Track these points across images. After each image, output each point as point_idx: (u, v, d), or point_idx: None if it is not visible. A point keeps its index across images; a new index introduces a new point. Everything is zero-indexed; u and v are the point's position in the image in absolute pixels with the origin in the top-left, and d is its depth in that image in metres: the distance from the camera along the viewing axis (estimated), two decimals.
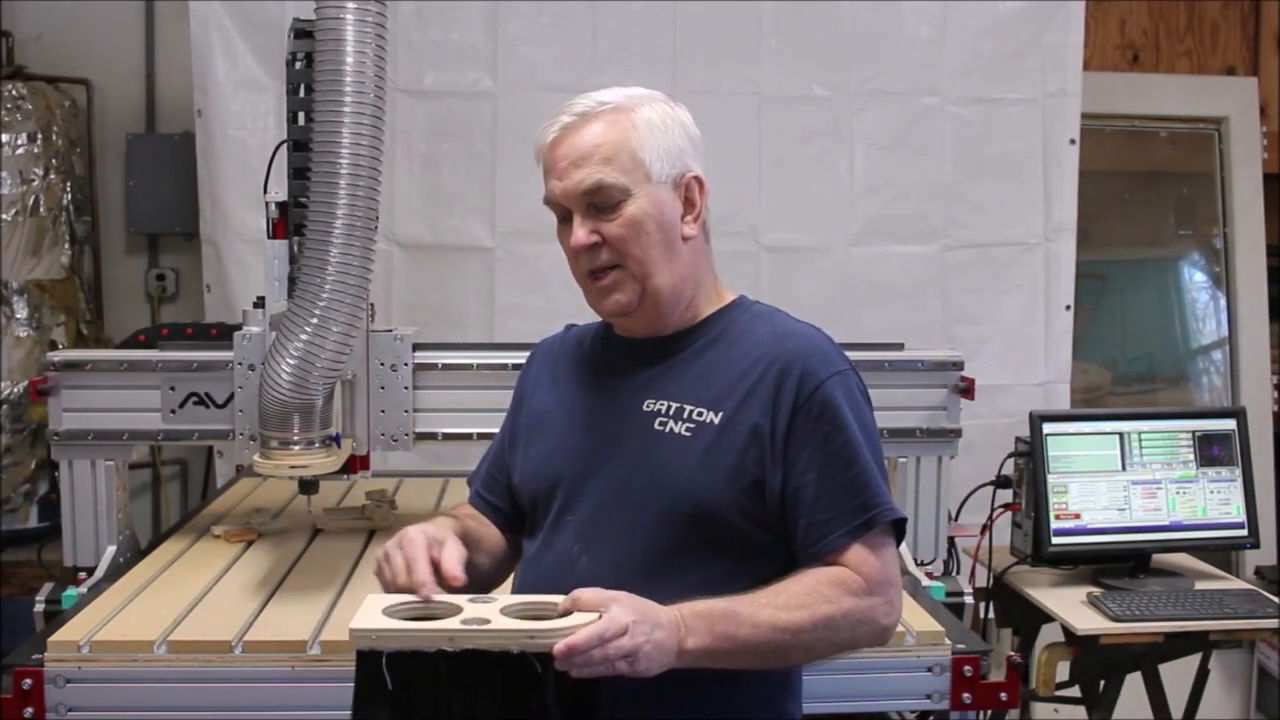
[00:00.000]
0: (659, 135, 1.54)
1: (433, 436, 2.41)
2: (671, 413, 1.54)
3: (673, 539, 1.50)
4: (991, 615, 2.72)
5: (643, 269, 1.53)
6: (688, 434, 1.52)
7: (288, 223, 2.19)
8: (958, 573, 2.59)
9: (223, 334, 2.44)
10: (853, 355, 1.59)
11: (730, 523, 1.50)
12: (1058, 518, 2.68)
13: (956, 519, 2.73)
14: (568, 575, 1.48)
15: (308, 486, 2.39)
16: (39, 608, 2.19)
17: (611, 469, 1.55)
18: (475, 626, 1.32)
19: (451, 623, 1.33)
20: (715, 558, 1.49)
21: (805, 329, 1.60)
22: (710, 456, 1.51)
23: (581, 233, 1.53)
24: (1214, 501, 2.75)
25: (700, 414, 1.53)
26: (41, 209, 3.43)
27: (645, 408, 1.56)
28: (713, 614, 1.39)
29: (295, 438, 2.04)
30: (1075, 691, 2.76)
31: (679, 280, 1.57)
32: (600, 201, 1.51)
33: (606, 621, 1.31)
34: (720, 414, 1.52)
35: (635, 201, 1.51)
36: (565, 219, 1.56)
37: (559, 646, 1.28)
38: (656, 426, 1.54)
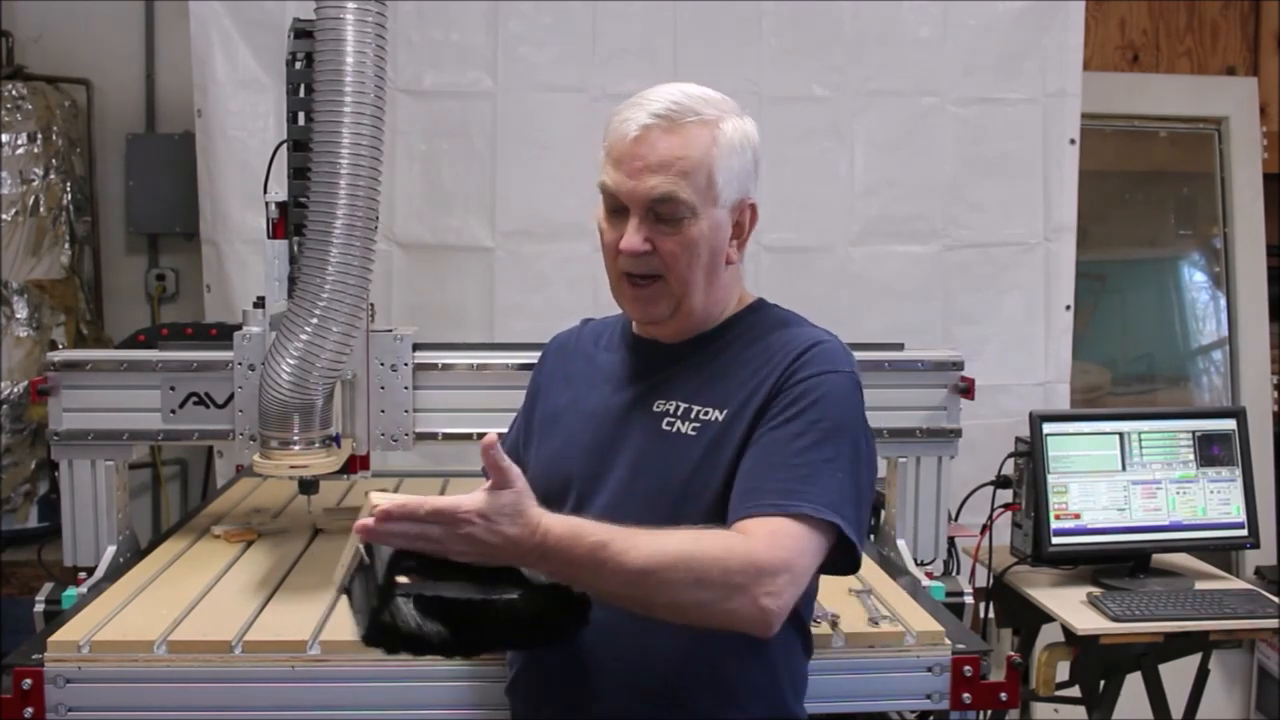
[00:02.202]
0: (736, 158, 1.52)
1: (433, 436, 2.40)
2: (679, 413, 1.54)
3: None
4: (991, 615, 2.72)
5: (683, 287, 1.53)
6: (693, 434, 1.52)
7: (288, 223, 2.19)
8: (958, 573, 2.59)
9: (223, 334, 2.43)
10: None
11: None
12: (1058, 518, 2.68)
13: (956, 519, 2.73)
14: None
15: (308, 486, 2.39)
16: (39, 608, 2.18)
17: (620, 470, 1.55)
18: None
19: None
20: None
21: (820, 333, 1.60)
22: (713, 454, 1.50)
23: (636, 239, 1.50)
24: (1214, 501, 2.75)
25: (707, 413, 1.53)
26: (41, 209, 3.43)
27: (655, 408, 1.56)
28: (578, 548, 1.29)
29: (295, 438, 2.04)
30: (1075, 691, 2.76)
31: (713, 302, 1.58)
32: (665, 213, 1.49)
33: (428, 504, 1.26)
34: (725, 411, 1.52)
35: (697, 223, 1.50)
36: (616, 211, 1.53)
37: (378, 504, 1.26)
38: (664, 427, 1.54)
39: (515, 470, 1.28)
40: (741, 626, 1.38)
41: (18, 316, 3.39)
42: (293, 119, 2.18)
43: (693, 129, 1.49)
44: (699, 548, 1.34)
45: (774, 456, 1.44)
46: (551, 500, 1.59)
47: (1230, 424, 2.79)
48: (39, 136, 3.43)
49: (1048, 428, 2.70)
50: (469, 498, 1.26)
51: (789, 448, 1.45)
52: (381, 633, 1.33)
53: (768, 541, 1.37)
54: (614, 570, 1.30)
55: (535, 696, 1.60)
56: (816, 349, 1.54)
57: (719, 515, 1.47)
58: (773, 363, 1.53)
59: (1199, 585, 2.69)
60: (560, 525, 1.30)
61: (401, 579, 1.32)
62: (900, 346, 2.53)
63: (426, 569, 1.31)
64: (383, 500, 1.29)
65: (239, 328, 2.30)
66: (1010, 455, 2.79)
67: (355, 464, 2.33)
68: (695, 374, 1.57)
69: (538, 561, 1.31)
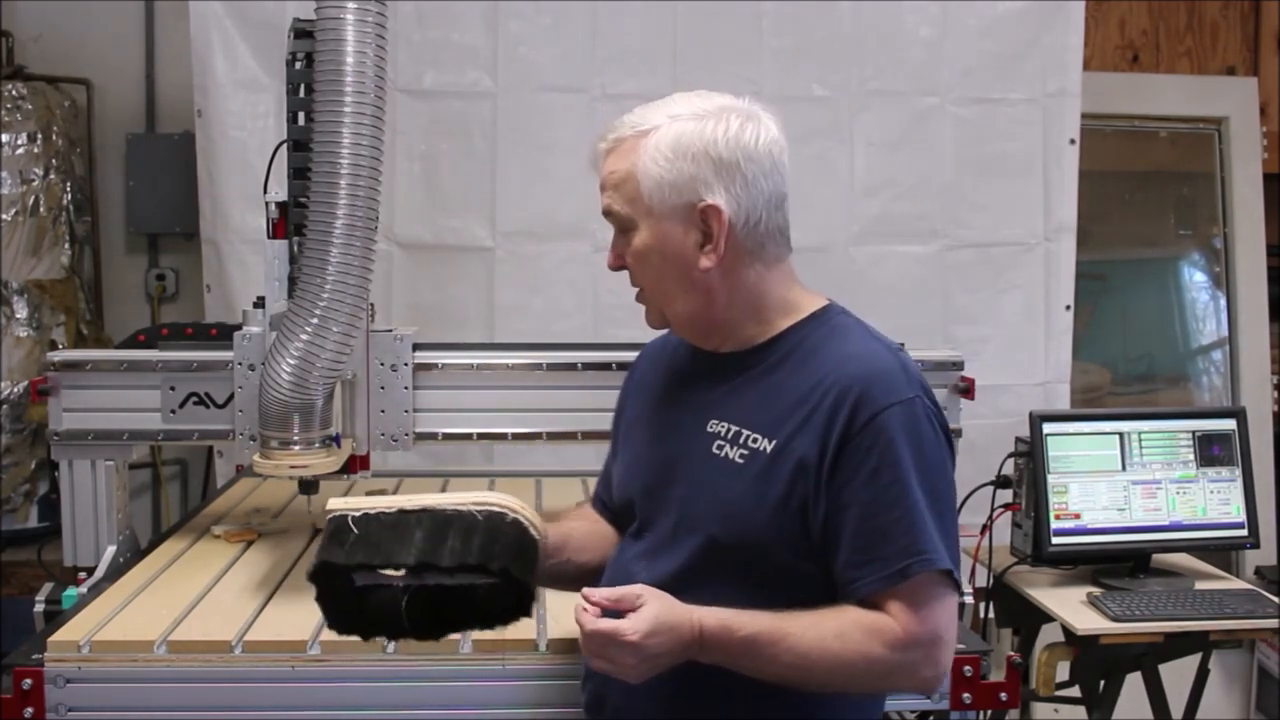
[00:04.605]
0: (664, 166, 1.49)
1: (433, 436, 2.40)
2: (729, 436, 1.53)
3: (716, 566, 1.49)
4: (991, 615, 2.72)
5: (659, 297, 1.57)
6: (741, 460, 1.50)
7: (288, 223, 2.19)
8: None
9: (223, 334, 2.43)
10: None
11: (774, 554, 1.48)
12: (1058, 518, 2.68)
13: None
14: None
15: (308, 486, 2.39)
16: (39, 608, 2.18)
17: (675, 490, 1.56)
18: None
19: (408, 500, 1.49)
20: (757, 587, 1.47)
21: (877, 349, 1.54)
22: (759, 485, 1.48)
23: (611, 255, 1.58)
24: (1214, 501, 2.75)
25: (755, 440, 1.50)
26: (41, 209, 3.43)
27: (709, 428, 1.55)
28: (731, 645, 1.41)
29: (295, 438, 2.04)
30: (1075, 691, 2.76)
31: (700, 309, 1.55)
32: (617, 226, 1.55)
33: (621, 625, 1.37)
34: (773, 441, 1.49)
35: (639, 234, 1.53)
36: None
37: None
38: (714, 450, 1.53)
39: (632, 590, 1.41)
40: (905, 692, 1.57)
41: (18, 316, 3.39)
42: (293, 119, 2.18)
43: (627, 143, 1.52)
44: (845, 646, 1.41)
45: (878, 517, 1.43)
46: (624, 511, 1.65)
47: (1230, 424, 2.79)
48: (39, 136, 3.43)
49: (1048, 428, 2.70)
50: (628, 622, 1.38)
51: (883, 502, 1.43)
52: (351, 622, 1.48)
53: (906, 618, 1.42)
54: (769, 661, 1.41)
55: (628, 707, 1.58)
56: (871, 381, 1.47)
57: (758, 546, 1.48)
58: (823, 387, 1.47)
59: (1199, 585, 2.69)
60: (710, 617, 1.41)
61: (391, 571, 1.44)
62: (900, 347, 2.52)
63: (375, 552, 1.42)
64: (340, 505, 1.43)
65: (239, 328, 2.30)
66: (1010, 455, 2.79)
67: (355, 464, 2.33)
68: (750, 390, 1.54)
69: (699, 653, 1.41)
